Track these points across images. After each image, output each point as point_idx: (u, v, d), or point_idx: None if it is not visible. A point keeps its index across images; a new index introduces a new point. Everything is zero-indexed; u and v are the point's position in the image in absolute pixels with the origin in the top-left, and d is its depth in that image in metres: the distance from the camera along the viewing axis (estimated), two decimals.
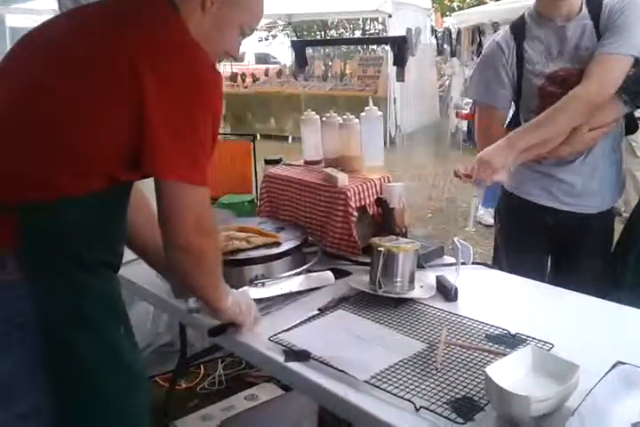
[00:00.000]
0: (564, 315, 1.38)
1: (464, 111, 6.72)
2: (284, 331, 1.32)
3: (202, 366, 2.63)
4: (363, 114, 1.74)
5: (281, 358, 1.24)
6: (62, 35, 1.10)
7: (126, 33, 1.04)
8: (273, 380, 2.44)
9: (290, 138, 9.32)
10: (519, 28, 1.74)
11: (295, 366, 1.22)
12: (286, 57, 13.38)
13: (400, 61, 1.39)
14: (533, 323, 1.31)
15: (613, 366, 1.02)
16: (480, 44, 8.65)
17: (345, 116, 1.78)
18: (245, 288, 1.42)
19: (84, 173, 1.04)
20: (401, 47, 1.35)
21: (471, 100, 8.77)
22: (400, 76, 1.44)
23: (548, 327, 1.29)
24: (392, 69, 8.57)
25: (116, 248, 1.17)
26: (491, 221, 4.84)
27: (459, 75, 8.78)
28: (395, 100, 8.63)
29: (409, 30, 1.40)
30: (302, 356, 1.24)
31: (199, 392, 2.50)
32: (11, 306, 1.02)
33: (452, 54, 8.56)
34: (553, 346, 1.20)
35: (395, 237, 1.49)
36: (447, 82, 10.27)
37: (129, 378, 1.14)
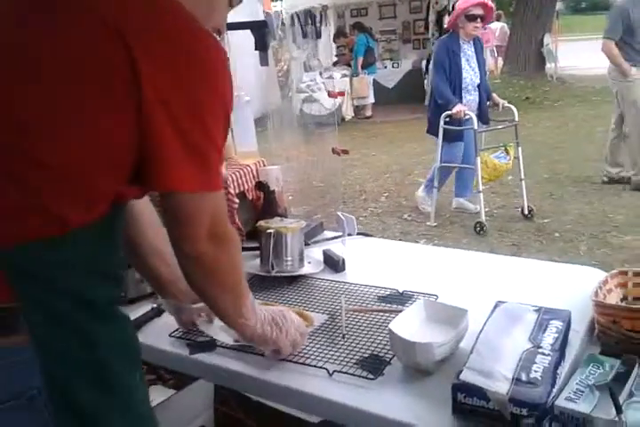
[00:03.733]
0: (445, 269, 1.52)
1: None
2: None
3: None
4: None
5: (185, 352, 1.24)
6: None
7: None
8: (159, 382, 2.39)
9: None
10: None
11: (202, 357, 1.22)
12: None
13: (262, 46, 1.41)
14: (418, 280, 1.43)
15: (495, 306, 1.15)
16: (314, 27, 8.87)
17: None
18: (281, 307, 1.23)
19: (89, 197, 0.84)
20: (261, 32, 1.37)
21: (312, 83, 9.06)
22: (264, 61, 1.46)
23: (431, 282, 1.41)
24: (233, 57, 8.54)
25: (120, 278, 0.97)
26: (470, 208, 4.50)
27: (296, 59, 8.95)
28: (240, 87, 8.59)
29: (268, 14, 1.42)
30: (208, 346, 1.24)
31: None
32: (20, 376, 0.84)
33: (304, 35, 8.60)
34: (437, 297, 1.32)
35: (279, 218, 1.54)
36: (285, 67, 10.42)
37: None
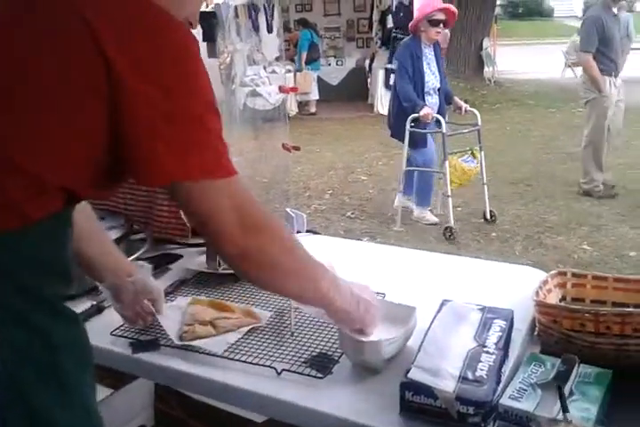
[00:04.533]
0: (393, 268, 1.53)
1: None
2: (125, 323, 1.28)
3: None
4: None
5: (128, 351, 1.20)
6: None
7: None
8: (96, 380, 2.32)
9: None
10: None
11: (146, 356, 1.19)
12: None
13: (210, 37, 1.38)
14: (365, 278, 1.42)
15: (442, 305, 1.17)
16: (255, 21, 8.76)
17: None
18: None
19: (43, 192, 0.81)
20: (210, 23, 1.33)
21: (255, 77, 8.97)
22: (212, 53, 1.42)
23: (379, 280, 1.41)
24: None
25: (71, 275, 0.93)
26: (431, 219, 4.46)
27: (240, 51, 8.82)
28: None
29: (217, 6, 1.38)
30: (151, 345, 1.21)
31: None
32: None
33: (255, 28, 8.41)
34: (385, 295, 1.33)
35: None
36: (228, 59, 10.27)
37: None
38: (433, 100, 4.33)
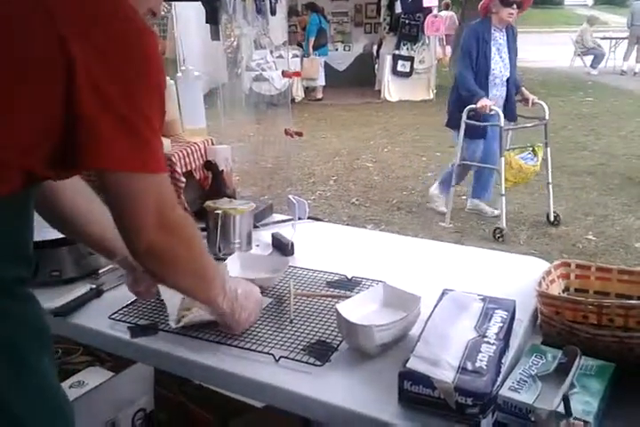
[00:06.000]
0: (393, 256, 1.52)
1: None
2: (123, 307, 1.27)
3: None
4: (179, 74, 1.68)
5: (126, 335, 1.20)
6: None
7: None
8: (96, 363, 2.32)
9: None
10: None
11: (144, 340, 1.18)
12: None
13: (213, 19, 1.36)
14: (367, 266, 1.43)
15: (442, 294, 1.15)
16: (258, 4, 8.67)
17: None
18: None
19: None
20: (213, 5, 1.31)
21: (262, 61, 8.90)
22: (215, 35, 1.41)
23: (379, 269, 1.41)
24: (179, 30, 8.28)
25: (30, 259, 0.94)
26: (488, 210, 4.23)
27: (247, 35, 8.74)
28: (184, 61, 8.35)
29: None
30: (150, 329, 1.21)
31: None
32: None
33: (258, 11, 8.36)
34: (386, 283, 1.32)
35: (228, 199, 1.50)
36: (235, 43, 10.18)
37: (60, 419, 0.95)
38: (498, 93, 3.93)
